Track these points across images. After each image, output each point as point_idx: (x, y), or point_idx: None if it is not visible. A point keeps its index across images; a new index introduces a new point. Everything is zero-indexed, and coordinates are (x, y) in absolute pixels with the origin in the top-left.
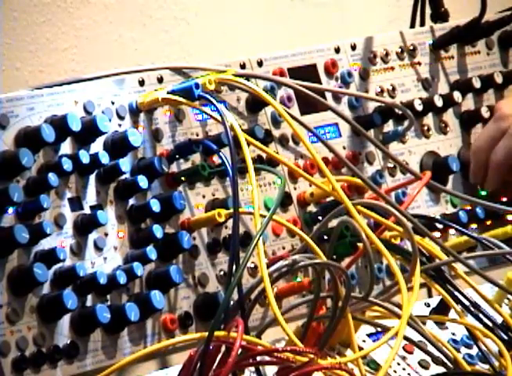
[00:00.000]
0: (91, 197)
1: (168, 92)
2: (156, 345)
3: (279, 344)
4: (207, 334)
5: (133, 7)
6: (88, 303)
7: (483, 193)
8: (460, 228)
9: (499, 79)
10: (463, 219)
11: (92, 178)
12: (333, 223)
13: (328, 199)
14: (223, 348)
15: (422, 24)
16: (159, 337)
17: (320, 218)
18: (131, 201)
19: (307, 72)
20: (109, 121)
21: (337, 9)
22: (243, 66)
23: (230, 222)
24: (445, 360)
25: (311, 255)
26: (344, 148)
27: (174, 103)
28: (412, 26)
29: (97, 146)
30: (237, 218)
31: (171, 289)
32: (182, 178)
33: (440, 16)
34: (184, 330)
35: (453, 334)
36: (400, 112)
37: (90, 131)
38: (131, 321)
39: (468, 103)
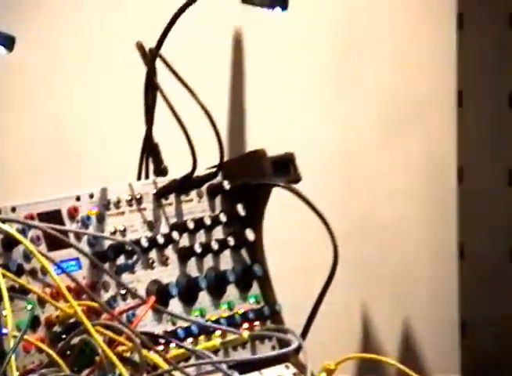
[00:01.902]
0: None
1: None
2: None
3: None
4: None
5: None
6: None
7: (196, 313)
8: (179, 342)
9: (208, 221)
10: (181, 335)
11: None
12: (76, 341)
13: (71, 320)
14: None
15: (147, 177)
16: None
17: (64, 336)
18: None
19: (53, 216)
20: None
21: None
22: None
23: None
24: None
25: (56, 368)
26: (84, 278)
27: None
28: (139, 179)
29: None
30: None
31: None
32: None
33: (161, 171)
34: None
35: None
36: (130, 248)
37: None
38: None
39: (184, 241)
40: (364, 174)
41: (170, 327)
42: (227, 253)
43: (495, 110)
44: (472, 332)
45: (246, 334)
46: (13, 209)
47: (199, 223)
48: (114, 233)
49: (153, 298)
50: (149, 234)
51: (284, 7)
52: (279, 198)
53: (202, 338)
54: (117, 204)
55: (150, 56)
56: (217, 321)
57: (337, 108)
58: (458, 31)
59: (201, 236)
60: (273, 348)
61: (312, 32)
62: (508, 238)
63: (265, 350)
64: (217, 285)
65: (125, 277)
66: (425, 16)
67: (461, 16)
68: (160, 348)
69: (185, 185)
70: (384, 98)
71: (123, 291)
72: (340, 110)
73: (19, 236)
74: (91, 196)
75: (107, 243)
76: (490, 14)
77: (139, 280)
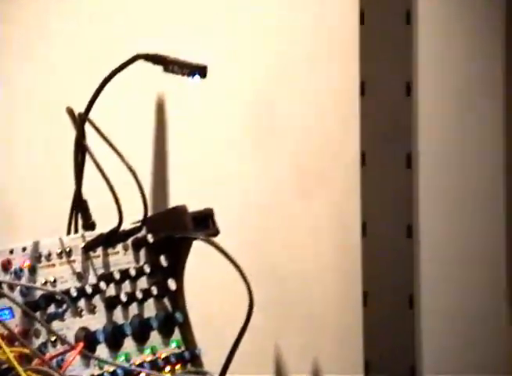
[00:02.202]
0: None
1: None
2: None
3: None
4: None
5: None
6: None
7: (121, 357)
8: None
9: (133, 272)
10: None
11: None
12: None
13: (4, 366)
14: None
15: (76, 232)
16: None
17: None
18: None
19: None
20: None
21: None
22: None
23: None
24: None
25: None
26: (17, 326)
27: None
28: (69, 233)
29: None
30: None
31: None
32: None
33: (89, 226)
34: None
35: None
36: (60, 298)
37: None
38: None
39: (111, 291)
40: (277, 226)
41: (97, 372)
42: (151, 301)
43: (394, 170)
44: (375, 373)
45: None
46: None
47: (124, 274)
48: (45, 283)
49: (81, 344)
50: (78, 284)
51: (203, 75)
52: (199, 250)
53: None
54: (48, 257)
55: (79, 121)
56: (141, 365)
57: (252, 169)
58: (360, 98)
59: (126, 286)
60: None
61: (230, 94)
62: (407, 287)
63: None
64: (141, 331)
65: (55, 325)
66: (332, 83)
67: (363, 84)
68: None
69: (112, 238)
70: (296, 160)
71: (53, 338)
72: (256, 169)
73: None
74: (24, 249)
75: (39, 293)
76: (389, 82)
77: (68, 327)
